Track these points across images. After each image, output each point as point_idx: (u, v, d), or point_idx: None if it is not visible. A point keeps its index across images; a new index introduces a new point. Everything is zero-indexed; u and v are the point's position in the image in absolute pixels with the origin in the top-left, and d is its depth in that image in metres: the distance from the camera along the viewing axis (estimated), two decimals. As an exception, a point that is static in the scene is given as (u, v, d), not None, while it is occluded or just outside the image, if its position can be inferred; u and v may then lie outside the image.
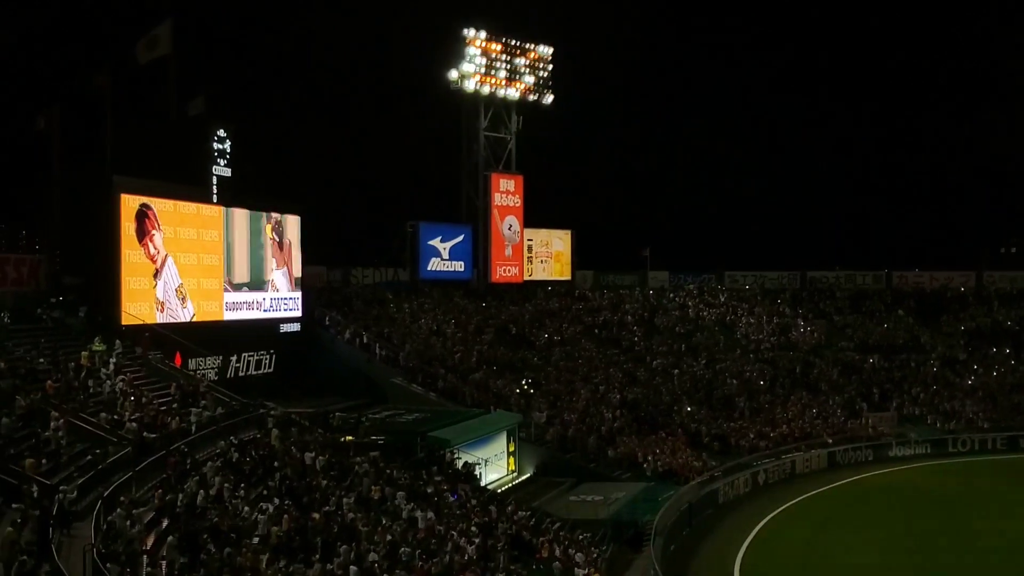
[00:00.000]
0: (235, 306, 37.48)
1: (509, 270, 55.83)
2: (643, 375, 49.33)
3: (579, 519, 31.18)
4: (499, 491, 33.58)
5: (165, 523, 19.43)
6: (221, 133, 36.91)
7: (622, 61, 73.64)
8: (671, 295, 62.50)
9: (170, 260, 33.74)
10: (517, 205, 55.85)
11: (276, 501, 21.78)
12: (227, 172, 36.85)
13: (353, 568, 19.10)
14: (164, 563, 17.21)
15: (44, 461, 20.37)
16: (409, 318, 47.67)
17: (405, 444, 31.73)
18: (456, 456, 32.62)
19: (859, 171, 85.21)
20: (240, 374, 37.28)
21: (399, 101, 64.83)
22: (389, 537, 21.57)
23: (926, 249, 71.12)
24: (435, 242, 52.30)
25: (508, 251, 55.71)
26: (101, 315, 30.92)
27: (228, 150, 36.90)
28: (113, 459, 21.49)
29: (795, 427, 46.36)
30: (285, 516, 20.58)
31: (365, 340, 43.56)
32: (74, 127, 33.55)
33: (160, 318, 33.13)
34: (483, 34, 51.92)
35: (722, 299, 62.51)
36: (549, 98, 55.19)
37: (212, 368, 35.19)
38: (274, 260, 40.01)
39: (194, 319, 35.00)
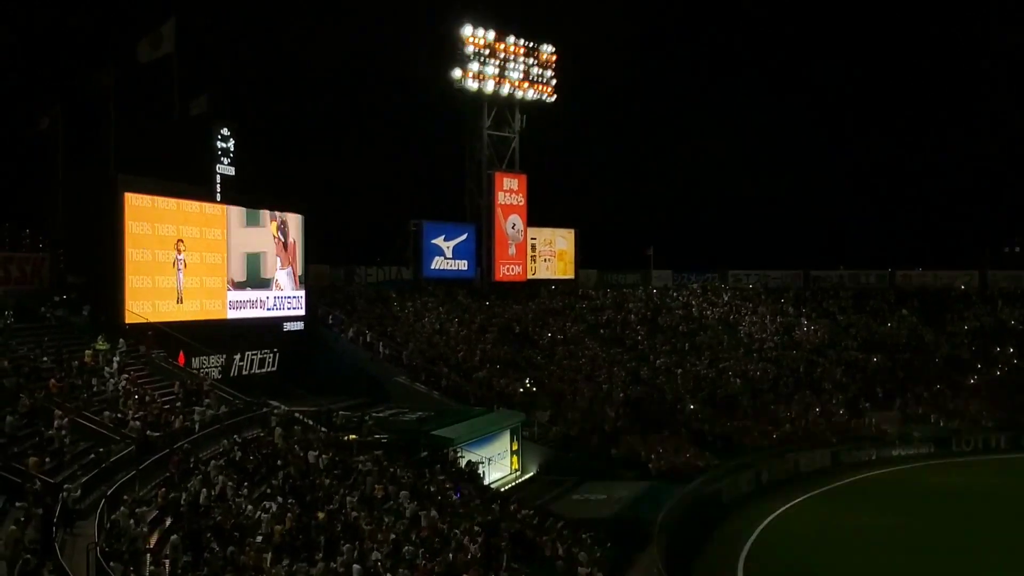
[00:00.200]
0: (238, 304, 37.49)
1: (513, 269, 55.83)
2: (646, 374, 49.29)
3: (582, 518, 31.13)
4: (502, 490, 33.56)
5: (168, 522, 19.44)
6: (224, 132, 36.95)
7: (625, 60, 73.58)
8: (674, 294, 62.46)
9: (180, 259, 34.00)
10: (521, 204, 55.83)
11: (279, 500, 21.79)
12: (230, 171, 36.91)
13: (356, 567, 19.08)
14: (167, 562, 17.22)
15: (48, 460, 20.38)
16: (412, 317, 47.69)
17: (408, 443, 31.71)
18: (459, 455, 32.60)
19: (862, 170, 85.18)
20: (244, 373, 37.32)
21: (403, 100, 64.88)
22: (392, 536, 21.56)
23: (929, 248, 71.08)
24: (439, 241, 52.33)
25: (512, 250, 55.70)
26: (104, 314, 30.94)
27: (231, 149, 36.96)
28: (116, 458, 21.48)
29: (798, 426, 46.33)
30: (288, 515, 20.59)
31: (368, 339, 43.57)
32: (77, 126, 33.66)
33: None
34: (487, 33, 51.92)
35: (725, 298, 62.45)
36: (553, 97, 55.22)
37: (216, 367, 35.21)
38: (278, 259, 40.01)
39: (197, 317, 35.01)
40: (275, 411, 29.38)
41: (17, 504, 17.57)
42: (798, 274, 66.24)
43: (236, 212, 37.23)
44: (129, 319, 31.24)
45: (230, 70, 55.10)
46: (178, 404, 27.15)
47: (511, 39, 53.36)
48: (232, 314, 37.10)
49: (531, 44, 54.26)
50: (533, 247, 57.53)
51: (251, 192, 38.38)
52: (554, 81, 55.33)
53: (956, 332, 59.17)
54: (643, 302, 59.84)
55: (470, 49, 51.35)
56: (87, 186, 32.76)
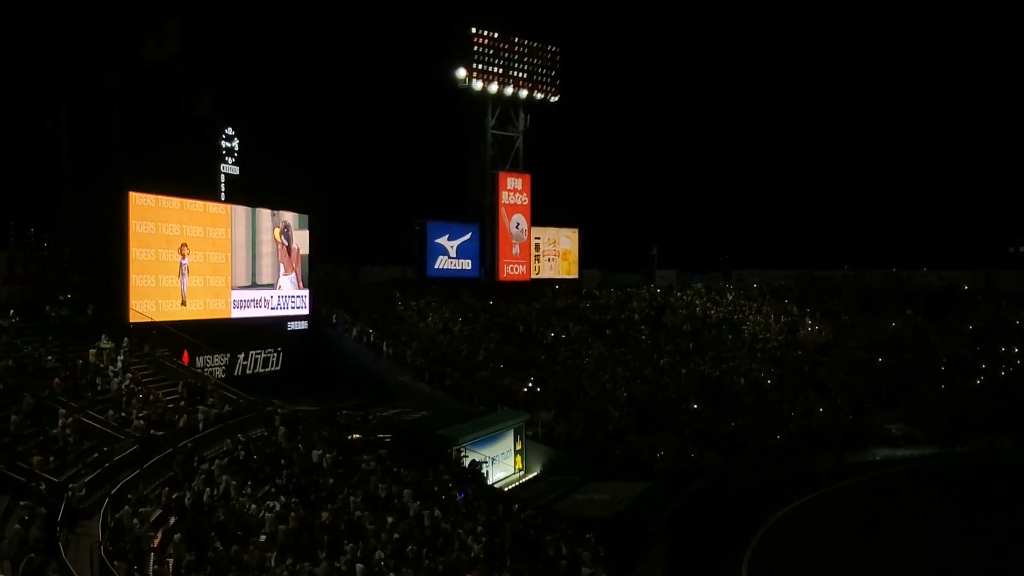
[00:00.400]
0: (242, 304, 37.53)
1: (516, 268, 55.83)
2: (650, 373, 49.22)
3: (586, 518, 31.08)
4: (506, 489, 33.55)
5: (172, 521, 19.48)
6: (229, 131, 36.95)
7: (629, 59, 73.61)
8: (678, 293, 62.42)
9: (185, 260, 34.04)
10: (525, 203, 55.83)
11: (283, 499, 21.82)
12: (235, 170, 36.94)
13: (360, 566, 19.10)
14: (171, 561, 17.27)
15: (52, 458, 20.44)
16: (416, 316, 47.70)
17: (412, 442, 31.69)
18: (463, 454, 32.60)
19: (867, 170, 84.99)
20: (248, 372, 37.36)
21: (407, 99, 64.88)
22: (396, 535, 21.57)
23: (934, 248, 70.96)
24: (442, 240, 52.35)
25: (515, 249, 55.70)
26: (109, 313, 30.99)
27: (236, 148, 36.97)
28: (120, 457, 21.55)
29: (802, 426, 46.25)
30: (292, 514, 20.61)
31: (372, 338, 43.60)
32: (82, 126, 33.64)
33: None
34: (491, 33, 51.91)
35: (729, 298, 62.39)
36: (557, 96, 55.21)
37: (220, 366, 35.25)
38: (282, 264, 40.01)
39: (201, 316, 35.06)
40: (279, 410, 29.40)
41: (21, 503, 17.62)
42: (802, 274, 66.15)
43: (240, 211, 37.27)
44: (133, 318, 31.31)
45: (235, 70, 55.15)
46: (182, 403, 27.18)
47: (516, 38, 53.37)
48: (236, 313, 37.14)
49: (536, 43, 54.24)
50: (537, 247, 57.51)
51: (255, 192, 38.40)
52: (558, 81, 55.34)
53: (961, 332, 59.08)
54: (647, 302, 59.78)
55: (475, 48, 51.38)
56: (92, 185, 32.89)
